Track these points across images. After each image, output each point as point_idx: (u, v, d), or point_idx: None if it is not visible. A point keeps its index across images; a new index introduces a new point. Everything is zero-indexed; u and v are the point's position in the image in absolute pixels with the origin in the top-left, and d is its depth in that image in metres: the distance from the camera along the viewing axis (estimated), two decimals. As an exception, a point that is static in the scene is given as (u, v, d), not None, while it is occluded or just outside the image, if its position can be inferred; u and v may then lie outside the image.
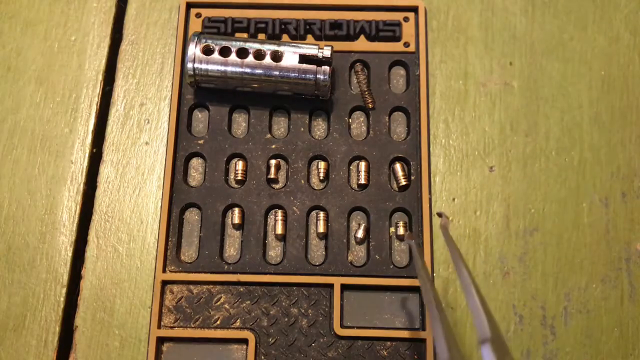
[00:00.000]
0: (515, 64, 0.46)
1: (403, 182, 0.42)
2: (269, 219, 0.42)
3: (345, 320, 0.39)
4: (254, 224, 0.42)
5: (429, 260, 0.40)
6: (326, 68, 0.42)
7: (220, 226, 0.41)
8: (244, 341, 0.39)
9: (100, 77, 0.46)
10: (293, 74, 0.42)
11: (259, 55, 0.42)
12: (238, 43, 0.42)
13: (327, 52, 0.42)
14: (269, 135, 0.44)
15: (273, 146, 0.43)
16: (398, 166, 0.43)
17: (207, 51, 0.42)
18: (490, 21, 0.47)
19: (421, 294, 0.40)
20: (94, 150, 0.44)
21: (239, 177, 0.42)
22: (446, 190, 0.43)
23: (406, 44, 0.45)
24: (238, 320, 0.39)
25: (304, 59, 0.42)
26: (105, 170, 0.43)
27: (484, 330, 0.23)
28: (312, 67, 0.42)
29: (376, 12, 0.46)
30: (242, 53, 0.42)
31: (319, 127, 0.44)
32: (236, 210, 0.42)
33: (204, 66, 0.42)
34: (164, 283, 0.40)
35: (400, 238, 0.41)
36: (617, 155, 0.43)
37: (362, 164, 0.43)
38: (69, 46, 0.46)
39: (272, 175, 0.42)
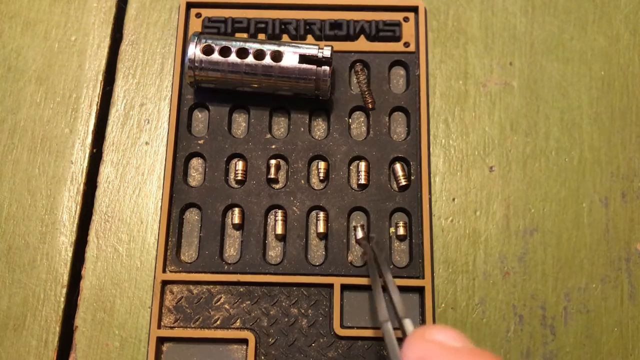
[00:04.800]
0: (515, 64, 0.46)
1: (403, 182, 0.42)
2: (269, 219, 0.42)
3: (345, 320, 0.39)
4: (254, 224, 0.42)
5: (429, 260, 0.40)
6: (326, 68, 0.42)
7: (220, 226, 0.41)
8: (244, 341, 0.39)
9: (100, 77, 0.46)
10: (293, 74, 0.42)
11: (259, 55, 0.42)
12: (238, 43, 0.42)
13: (327, 52, 0.42)
14: (269, 136, 0.44)
15: (273, 146, 0.43)
16: (398, 166, 0.43)
17: (207, 51, 0.42)
18: (490, 21, 0.47)
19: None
20: (94, 150, 0.44)
21: (239, 177, 0.42)
22: (446, 190, 0.43)
23: (406, 44, 0.45)
24: (238, 321, 0.39)
25: (304, 59, 0.42)
26: (105, 170, 0.43)
27: (404, 310, 0.32)
28: (312, 67, 0.42)
29: (376, 12, 0.46)
30: (242, 53, 0.42)
31: (319, 127, 0.44)
32: (236, 210, 0.42)
33: (204, 66, 0.42)
34: (164, 283, 0.40)
35: (359, 242, 0.41)
36: (617, 155, 0.43)
37: (362, 164, 0.43)
38: (69, 46, 0.46)
39: (272, 175, 0.42)
